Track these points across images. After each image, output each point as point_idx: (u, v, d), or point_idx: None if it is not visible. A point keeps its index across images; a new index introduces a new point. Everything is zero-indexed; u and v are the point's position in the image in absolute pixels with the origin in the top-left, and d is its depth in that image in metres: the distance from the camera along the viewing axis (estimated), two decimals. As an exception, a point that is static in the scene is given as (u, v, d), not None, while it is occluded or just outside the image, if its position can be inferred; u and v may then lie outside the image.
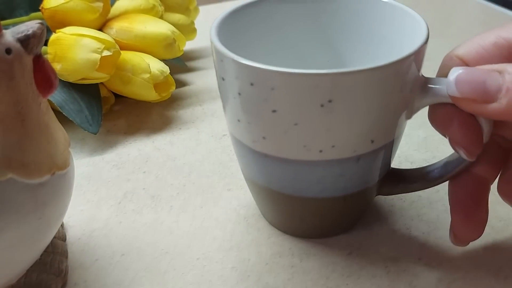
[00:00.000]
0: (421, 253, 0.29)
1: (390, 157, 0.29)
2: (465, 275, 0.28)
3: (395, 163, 0.36)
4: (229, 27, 0.29)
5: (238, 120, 0.27)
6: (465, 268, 0.28)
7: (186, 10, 0.51)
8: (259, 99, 0.25)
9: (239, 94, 0.25)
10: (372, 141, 0.26)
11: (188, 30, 0.50)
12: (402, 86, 0.25)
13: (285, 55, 0.33)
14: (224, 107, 0.28)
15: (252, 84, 0.24)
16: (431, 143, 0.38)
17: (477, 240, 0.30)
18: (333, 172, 0.26)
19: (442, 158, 0.36)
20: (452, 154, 0.29)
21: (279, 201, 0.29)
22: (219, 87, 0.28)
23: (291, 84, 0.24)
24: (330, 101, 0.24)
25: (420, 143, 0.38)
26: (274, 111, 0.25)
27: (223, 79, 0.26)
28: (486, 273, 0.28)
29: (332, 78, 0.23)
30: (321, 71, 0.23)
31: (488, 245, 0.30)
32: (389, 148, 0.27)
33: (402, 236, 0.30)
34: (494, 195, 0.33)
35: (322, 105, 0.24)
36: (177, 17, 0.49)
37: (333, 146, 0.25)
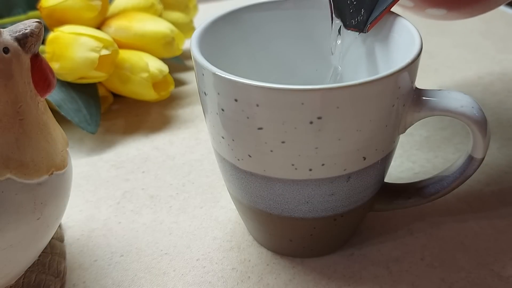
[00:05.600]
0: (423, 253, 0.29)
1: (384, 173, 0.28)
2: (468, 275, 0.28)
3: (396, 163, 0.36)
4: (212, 36, 0.28)
5: (222, 137, 0.25)
6: (468, 268, 0.28)
7: (185, 8, 0.51)
8: (244, 116, 0.23)
9: (222, 110, 0.24)
10: (364, 158, 0.25)
11: (187, 28, 0.50)
12: (395, 100, 0.24)
13: (272, 64, 0.32)
14: (207, 122, 0.27)
15: (236, 100, 0.23)
16: (434, 142, 0.38)
17: (480, 239, 0.30)
18: (322, 191, 0.25)
19: (444, 157, 0.36)
20: (449, 167, 0.28)
21: (267, 221, 0.28)
22: (201, 102, 0.26)
23: (278, 100, 0.22)
24: (319, 118, 0.22)
25: (422, 142, 0.38)
26: (259, 128, 0.23)
27: (205, 93, 0.25)
28: (489, 272, 0.28)
29: (322, 94, 0.22)
30: (310, 86, 0.22)
31: (490, 244, 0.29)
32: (382, 164, 0.26)
33: (404, 236, 0.30)
34: (496, 196, 0.33)
35: (311, 122, 0.22)
36: (176, 15, 0.49)
37: (322, 165, 0.24)
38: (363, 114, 0.23)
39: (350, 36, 0.29)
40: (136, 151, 0.39)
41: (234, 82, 0.23)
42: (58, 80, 0.40)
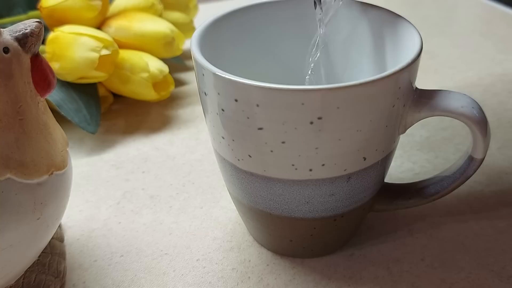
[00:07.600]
0: (423, 253, 0.29)
1: (384, 173, 0.27)
2: (468, 275, 0.28)
3: (397, 164, 0.36)
4: (212, 36, 0.28)
5: (222, 137, 0.25)
6: (468, 269, 0.28)
7: (185, 8, 0.51)
8: (244, 116, 0.23)
9: (223, 110, 0.24)
10: (364, 159, 0.25)
11: (187, 28, 0.49)
12: (396, 100, 0.24)
13: (272, 64, 0.32)
14: (207, 122, 0.27)
15: (236, 100, 0.23)
16: (434, 143, 0.38)
17: (481, 240, 0.30)
18: (322, 191, 0.25)
19: (445, 158, 0.36)
20: (449, 168, 0.28)
21: (267, 221, 0.28)
22: (201, 102, 0.26)
23: (278, 100, 0.22)
24: (319, 118, 0.22)
25: (423, 143, 0.38)
26: (260, 128, 0.23)
27: (205, 93, 0.25)
28: (489, 273, 0.28)
29: (322, 94, 0.22)
30: (310, 86, 0.22)
31: (491, 245, 0.29)
32: (382, 164, 0.26)
33: (405, 237, 0.30)
34: (496, 197, 0.33)
35: (311, 122, 0.22)
36: (176, 15, 0.49)
37: (323, 165, 0.24)
38: (363, 114, 0.23)
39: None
40: (136, 151, 0.39)
41: (234, 82, 0.23)
42: (58, 80, 0.40)
